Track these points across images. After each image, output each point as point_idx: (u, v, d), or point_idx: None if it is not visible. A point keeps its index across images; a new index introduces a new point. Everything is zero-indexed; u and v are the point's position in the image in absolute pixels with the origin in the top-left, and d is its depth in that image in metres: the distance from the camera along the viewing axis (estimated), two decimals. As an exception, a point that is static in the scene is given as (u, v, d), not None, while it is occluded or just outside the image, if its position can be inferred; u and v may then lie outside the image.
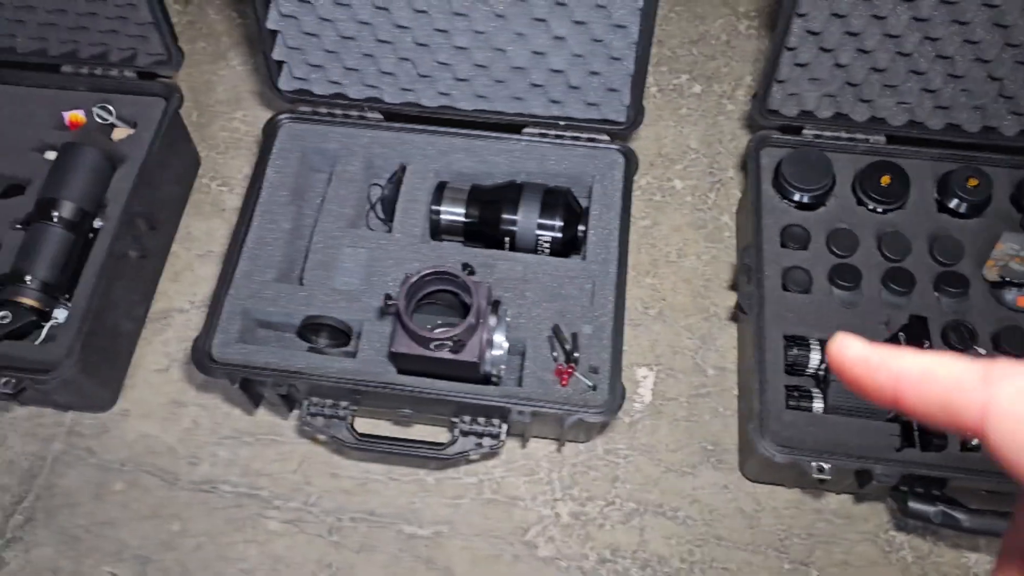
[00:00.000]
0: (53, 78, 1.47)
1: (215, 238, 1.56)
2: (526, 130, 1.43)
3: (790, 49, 1.30)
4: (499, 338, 1.19)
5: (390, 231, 1.43)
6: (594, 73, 1.34)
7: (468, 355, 1.16)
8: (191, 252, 1.55)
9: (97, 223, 1.34)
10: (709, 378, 1.44)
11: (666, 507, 1.34)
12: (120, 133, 1.46)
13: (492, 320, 1.20)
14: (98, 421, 1.39)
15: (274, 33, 1.36)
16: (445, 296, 1.23)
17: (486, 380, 1.22)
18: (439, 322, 1.25)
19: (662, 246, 1.57)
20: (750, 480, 1.35)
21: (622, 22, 1.26)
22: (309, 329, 1.29)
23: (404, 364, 1.21)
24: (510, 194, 1.34)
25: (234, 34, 1.81)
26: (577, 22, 1.28)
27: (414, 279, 1.17)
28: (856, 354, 0.32)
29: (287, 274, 1.37)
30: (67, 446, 1.37)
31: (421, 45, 1.34)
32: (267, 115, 1.52)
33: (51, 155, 1.43)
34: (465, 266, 1.20)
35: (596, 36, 1.29)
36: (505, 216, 1.33)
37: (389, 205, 1.44)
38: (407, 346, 1.17)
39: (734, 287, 1.38)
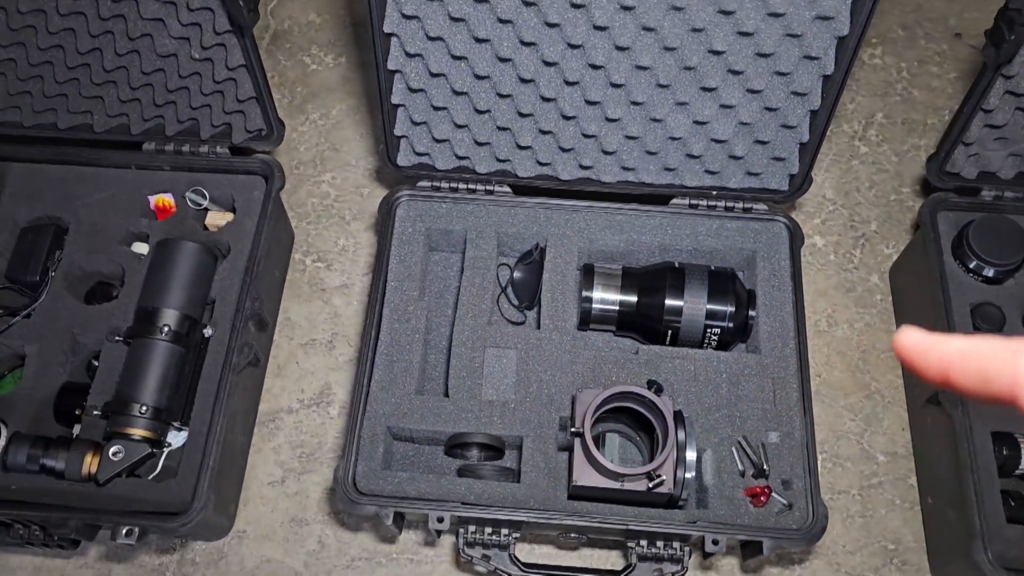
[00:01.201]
0: (134, 156, 1.30)
1: (316, 323, 1.41)
2: (674, 201, 1.28)
3: (986, 111, 1.16)
4: (690, 456, 1.05)
5: (525, 319, 1.28)
6: (761, 142, 1.19)
7: (665, 487, 1.02)
8: (293, 342, 1.39)
9: (207, 332, 1.18)
10: (880, 466, 1.31)
11: (854, 621, 1.21)
12: (216, 218, 1.29)
13: (680, 435, 1.05)
14: (212, 546, 1.24)
15: (396, 107, 1.20)
16: (622, 412, 1.08)
17: (671, 504, 1.08)
18: (616, 441, 1.11)
19: (809, 313, 1.42)
20: (943, 585, 1.23)
21: (803, 89, 1.11)
22: (460, 447, 1.14)
23: (585, 494, 1.07)
24: (672, 279, 1.19)
25: (311, 83, 1.63)
26: (752, 91, 1.12)
27: (597, 402, 1.03)
28: (912, 340, 0.38)
29: (427, 383, 1.22)
30: (180, 578, 1.23)
31: (568, 118, 1.18)
32: (359, 179, 1.36)
33: (139, 247, 1.26)
34: (651, 384, 1.06)
35: (771, 104, 1.14)
36: (669, 303, 1.18)
37: (524, 289, 1.29)
38: (592, 479, 1.03)
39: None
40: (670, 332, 1.19)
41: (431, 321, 1.24)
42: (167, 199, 1.28)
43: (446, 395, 1.16)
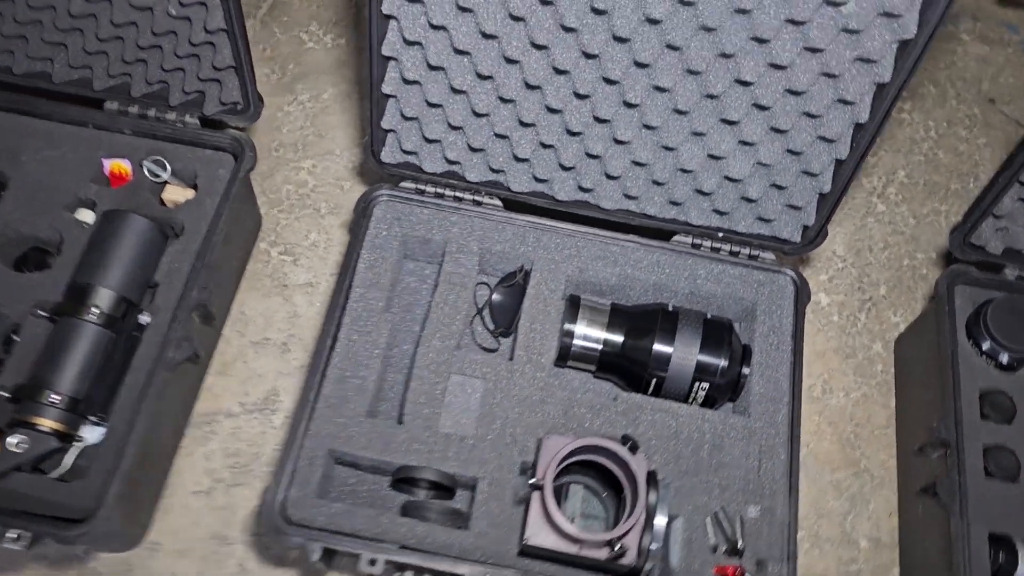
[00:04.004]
0: (93, 115, 1.18)
1: (273, 321, 1.29)
2: (676, 238, 1.17)
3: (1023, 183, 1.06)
4: (659, 523, 0.94)
5: (498, 347, 1.17)
6: (778, 187, 1.09)
7: (627, 557, 0.91)
8: (244, 338, 1.27)
9: (143, 318, 1.06)
10: (861, 552, 1.21)
11: None
12: (175, 194, 1.17)
13: (651, 498, 0.94)
14: (119, 558, 1.12)
15: (386, 97, 1.08)
16: (591, 465, 0.97)
17: (634, 574, 0.97)
18: (580, 495, 1.00)
19: (804, 376, 1.32)
20: None
21: (832, 136, 1.01)
22: (407, 481, 1.03)
23: (538, 554, 0.95)
24: (663, 322, 1.08)
25: (305, 61, 1.52)
26: (776, 129, 1.02)
27: (564, 452, 0.91)
28: None
29: (380, 404, 1.10)
30: (81, 586, 1.10)
31: (573, 134, 1.07)
32: (340, 171, 1.24)
33: (84, 215, 1.14)
34: (627, 440, 0.94)
35: (795, 147, 1.03)
36: (658, 349, 1.07)
37: (501, 313, 1.18)
38: (548, 539, 0.91)
39: (921, 450, 1.15)
40: (655, 381, 1.08)
41: (394, 336, 1.13)
42: (123, 165, 1.16)
43: (399, 422, 1.05)
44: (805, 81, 0.96)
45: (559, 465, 0.91)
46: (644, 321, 1.10)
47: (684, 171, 1.09)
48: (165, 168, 1.16)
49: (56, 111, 1.18)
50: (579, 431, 1.05)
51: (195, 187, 1.16)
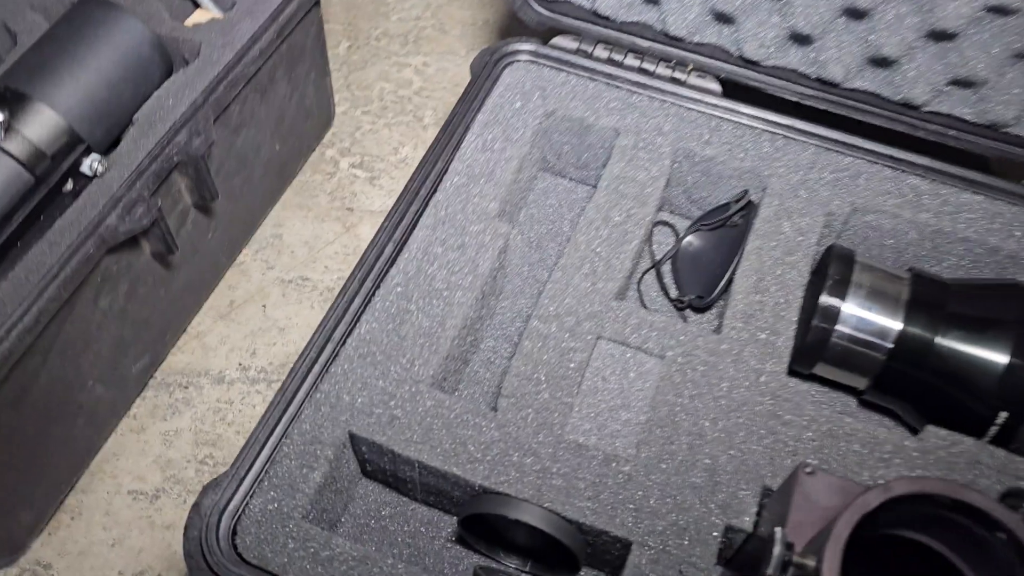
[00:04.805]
0: None
1: (321, 257, 0.82)
2: (1035, 179, 0.65)
3: None
4: None
5: (683, 318, 0.66)
6: None
7: None
8: (272, 271, 0.81)
9: (92, 164, 0.62)
10: None
11: None
12: (202, 16, 0.74)
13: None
14: (-18, 578, 0.65)
15: None
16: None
17: None
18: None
19: None
20: None
21: None
22: (488, 527, 0.52)
23: None
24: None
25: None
26: None
27: (872, 504, 0.38)
28: None
29: (461, 370, 0.61)
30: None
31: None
32: (463, 73, 0.78)
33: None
34: (1015, 495, 0.40)
35: None
36: (1017, 364, 0.54)
37: (695, 271, 0.67)
38: None
39: None
40: (1005, 421, 0.54)
41: (506, 262, 0.64)
42: (138, -31, 0.75)
43: (493, 408, 0.54)
44: None
45: (856, 524, 0.38)
46: (989, 309, 0.57)
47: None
48: (198, -26, 0.74)
49: None
50: (871, 476, 0.51)
51: (231, 6, 0.73)
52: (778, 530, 0.39)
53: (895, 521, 0.40)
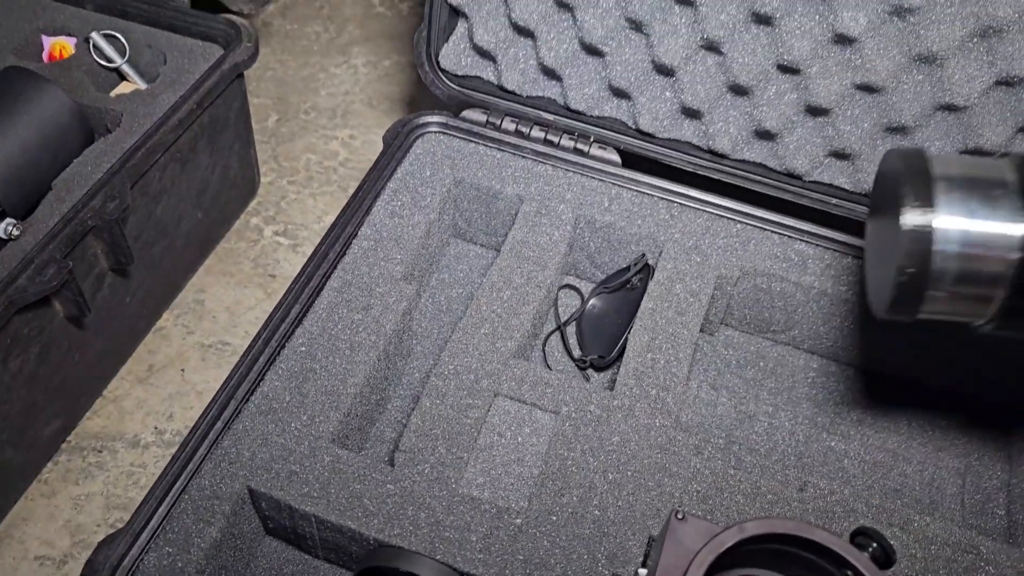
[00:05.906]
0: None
1: (242, 322, 0.84)
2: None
3: None
4: None
5: (587, 380, 0.68)
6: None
7: None
8: (192, 336, 0.82)
9: (7, 228, 0.63)
10: None
11: None
12: (126, 88, 0.77)
13: None
14: None
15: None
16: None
17: None
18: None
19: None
20: None
21: None
22: (382, 579, 0.52)
23: None
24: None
25: (370, 26, 1.16)
26: None
27: (727, 543, 0.41)
28: None
29: (360, 427, 0.62)
30: None
31: (761, 21, 0.63)
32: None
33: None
34: (862, 535, 0.43)
35: None
36: None
37: (597, 330, 0.70)
38: None
39: None
40: None
41: (408, 322, 0.66)
42: (68, 45, 0.78)
43: (390, 463, 0.56)
44: None
45: (704, 572, 0.40)
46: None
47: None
48: (124, 52, 0.77)
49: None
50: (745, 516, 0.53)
51: (153, 80, 0.76)
52: (643, 571, 0.41)
53: (752, 561, 0.43)
